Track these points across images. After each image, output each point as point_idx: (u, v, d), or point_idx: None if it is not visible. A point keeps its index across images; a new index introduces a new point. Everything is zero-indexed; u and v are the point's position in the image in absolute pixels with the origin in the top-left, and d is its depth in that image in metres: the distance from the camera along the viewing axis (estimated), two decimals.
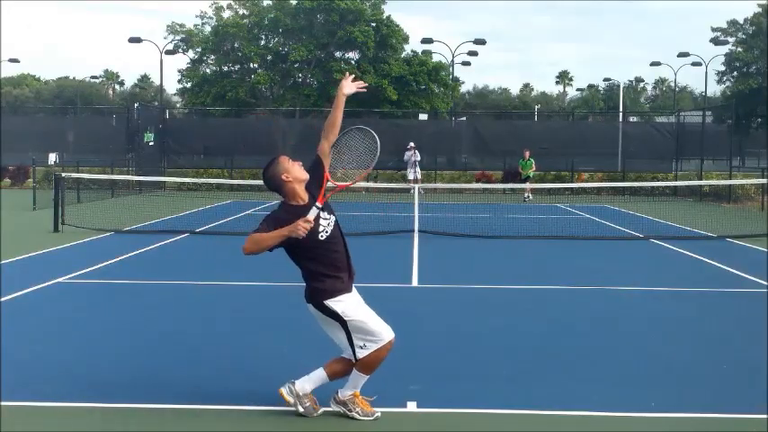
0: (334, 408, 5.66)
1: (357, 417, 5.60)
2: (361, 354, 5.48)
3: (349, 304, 5.49)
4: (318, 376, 5.66)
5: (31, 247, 14.18)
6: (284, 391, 5.67)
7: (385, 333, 5.52)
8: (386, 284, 10.94)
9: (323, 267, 5.46)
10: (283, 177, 5.43)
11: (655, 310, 9.72)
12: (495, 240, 16.25)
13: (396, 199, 27.69)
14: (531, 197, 28.85)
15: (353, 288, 5.62)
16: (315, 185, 5.46)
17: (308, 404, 5.65)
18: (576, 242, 16.33)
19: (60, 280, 11.07)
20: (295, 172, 5.44)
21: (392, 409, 5.81)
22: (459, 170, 34.95)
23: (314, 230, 5.35)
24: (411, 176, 31.11)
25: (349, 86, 5.69)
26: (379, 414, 5.64)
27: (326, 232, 5.45)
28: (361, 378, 5.60)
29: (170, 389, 6.09)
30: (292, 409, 5.62)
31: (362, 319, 5.49)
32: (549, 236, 16.85)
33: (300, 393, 5.64)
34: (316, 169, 5.54)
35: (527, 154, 29.54)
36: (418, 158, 31.47)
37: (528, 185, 28.09)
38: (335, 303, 5.45)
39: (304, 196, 5.46)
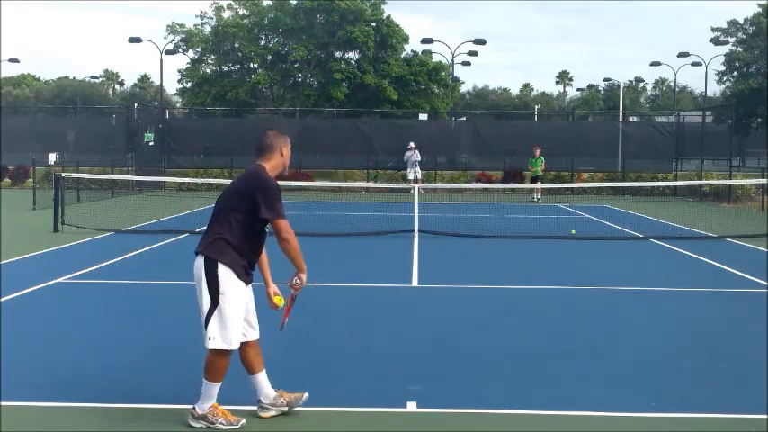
0: (194, 424, 5.39)
1: (221, 428, 5.36)
2: (208, 344, 5.31)
3: (235, 287, 5.31)
4: (260, 378, 5.59)
5: (31, 247, 14.18)
6: (263, 414, 5.61)
7: (235, 342, 5.37)
8: (386, 284, 10.83)
9: (247, 241, 5.36)
10: (283, 150, 5.53)
11: (655, 310, 9.72)
12: (495, 240, 16.25)
13: (396, 199, 27.69)
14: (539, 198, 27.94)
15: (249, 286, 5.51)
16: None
17: (283, 400, 5.61)
18: (576, 242, 16.32)
19: (60, 280, 11.06)
20: (287, 155, 5.58)
21: (392, 409, 5.82)
22: (459, 170, 34.93)
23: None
24: (411, 176, 31.12)
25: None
26: (243, 421, 5.44)
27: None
28: (210, 386, 5.39)
29: (170, 389, 6.08)
30: (283, 415, 5.62)
31: (234, 310, 5.30)
32: (548, 236, 16.85)
33: (272, 400, 5.61)
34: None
35: (537, 152, 28.23)
36: (418, 158, 31.45)
37: (539, 185, 26.74)
38: (224, 273, 5.28)
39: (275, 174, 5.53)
